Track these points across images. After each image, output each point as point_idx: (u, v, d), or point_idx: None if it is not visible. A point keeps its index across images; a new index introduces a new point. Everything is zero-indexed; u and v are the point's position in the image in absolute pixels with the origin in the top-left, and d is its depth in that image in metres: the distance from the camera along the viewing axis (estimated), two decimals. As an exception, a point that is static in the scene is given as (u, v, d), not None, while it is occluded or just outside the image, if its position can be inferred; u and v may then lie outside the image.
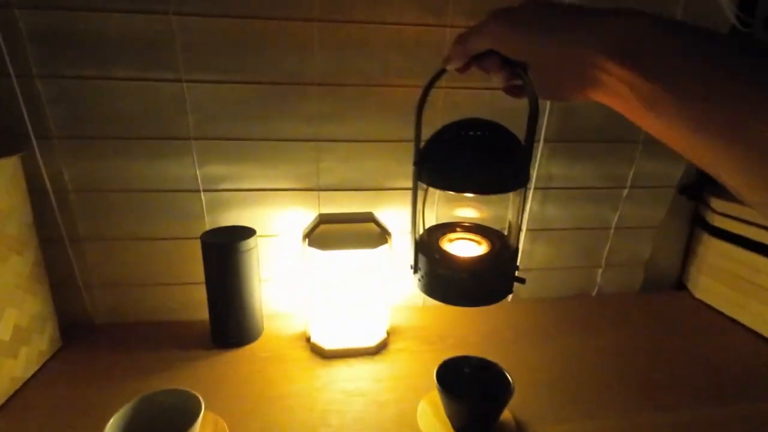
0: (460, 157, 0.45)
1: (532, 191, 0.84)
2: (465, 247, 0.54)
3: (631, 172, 0.86)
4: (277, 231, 0.80)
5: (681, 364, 0.73)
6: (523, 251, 0.89)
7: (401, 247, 0.84)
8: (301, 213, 0.80)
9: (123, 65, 0.66)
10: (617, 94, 0.28)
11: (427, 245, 0.56)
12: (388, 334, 0.79)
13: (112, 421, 0.49)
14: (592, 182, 0.85)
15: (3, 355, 0.61)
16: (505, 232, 0.55)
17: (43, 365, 0.70)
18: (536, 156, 0.81)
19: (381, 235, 0.74)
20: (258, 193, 0.77)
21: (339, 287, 0.74)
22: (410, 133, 0.74)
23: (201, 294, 0.77)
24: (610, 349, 0.77)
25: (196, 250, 0.72)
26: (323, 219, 0.73)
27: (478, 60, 0.38)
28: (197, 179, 0.75)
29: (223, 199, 0.77)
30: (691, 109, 0.24)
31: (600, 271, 0.94)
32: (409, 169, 0.78)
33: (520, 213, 0.52)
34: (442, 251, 0.53)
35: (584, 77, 0.30)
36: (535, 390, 0.66)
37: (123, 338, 0.77)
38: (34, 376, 0.67)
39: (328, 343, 0.74)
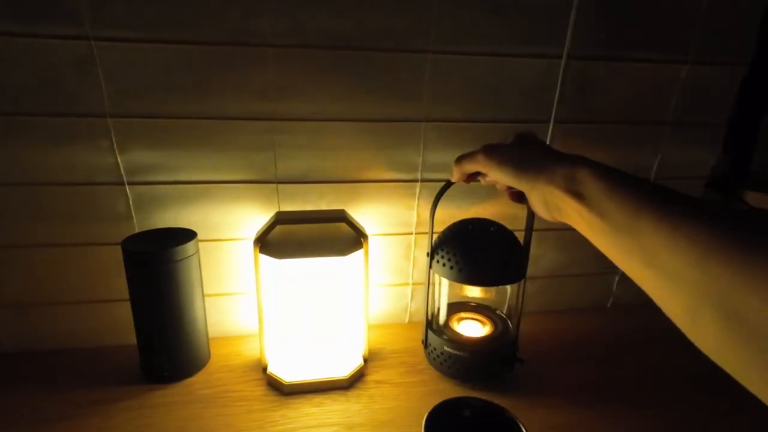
0: (470, 254, 0.55)
1: (539, 183, 0.69)
2: (471, 328, 0.65)
3: (657, 161, 0.72)
4: (225, 234, 0.64)
5: (721, 393, 0.59)
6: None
7: (380, 252, 0.69)
8: (257, 211, 0.64)
9: (14, 17, 0.50)
10: (575, 219, 0.34)
11: (438, 323, 0.65)
12: (365, 360, 0.63)
13: None
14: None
15: None
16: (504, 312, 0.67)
17: None
18: (546, 138, 0.67)
19: (354, 239, 0.58)
20: (200, 186, 0.61)
21: (302, 304, 0.59)
22: (392, 111, 0.61)
23: (129, 313, 0.60)
24: (628, 371, 0.63)
25: (121, 258, 0.56)
26: (281, 218, 0.58)
27: (475, 175, 0.47)
28: (119, 168, 0.58)
29: (156, 194, 0.61)
30: (618, 236, 0.30)
31: (616, 279, 0.80)
32: (389, 155, 0.63)
33: (519, 298, 0.61)
34: (451, 330, 0.63)
35: (550, 205, 0.36)
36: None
37: (29, 371, 0.60)
38: None
39: (288, 375, 0.58)
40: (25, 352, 0.64)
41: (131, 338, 0.62)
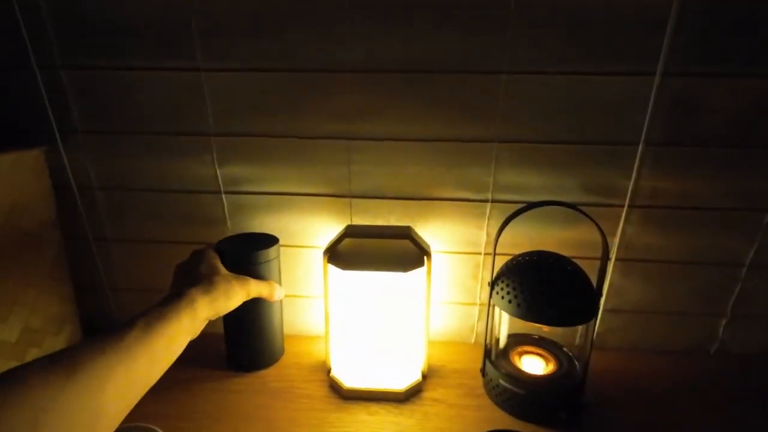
0: (533, 289, 0.53)
1: (626, 209, 0.63)
2: (532, 364, 0.62)
3: (777, 188, 0.61)
4: (303, 241, 0.70)
5: None
6: (611, 287, 0.68)
7: (446, 271, 0.69)
8: (332, 222, 0.69)
9: (141, 55, 0.61)
10: None
11: (497, 353, 0.64)
12: (424, 377, 0.64)
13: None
14: (716, 201, 0.62)
15: (7, 358, 0.58)
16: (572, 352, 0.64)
17: (57, 368, 0.66)
18: (634, 163, 0.61)
19: (417, 256, 0.60)
20: (284, 197, 0.68)
21: (365, 314, 0.61)
22: (463, 131, 0.61)
23: (217, 307, 0.69)
24: (731, 424, 0.54)
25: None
26: (350, 232, 0.61)
27: None
28: (218, 179, 0.67)
29: (246, 202, 0.69)
30: None
31: (724, 321, 0.69)
32: (459, 174, 0.63)
33: (588, 339, 0.58)
34: (510, 363, 0.61)
35: None
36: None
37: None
38: (43, 380, 0.64)
39: (348, 380, 0.61)
40: (141, 329, 0.76)
41: (220, 328, 0.71)
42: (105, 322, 0.76)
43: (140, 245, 0.72)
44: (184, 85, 0.62)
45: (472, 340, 0.74)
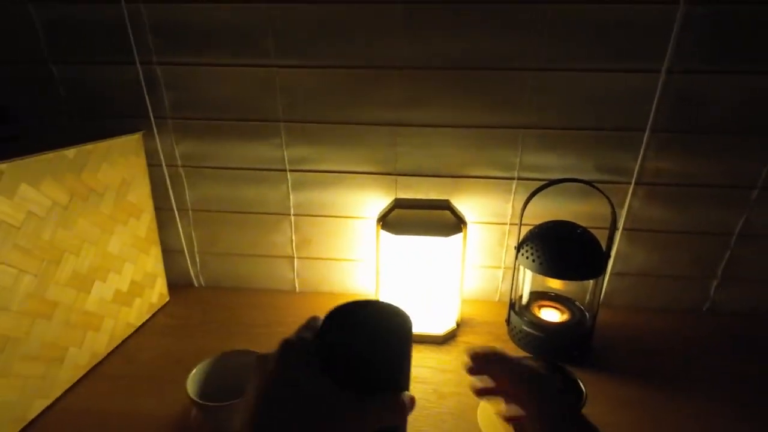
0: (552, 250, 0.65)
1: (632, 186, 0.74)
2: (549, 314, 0.74)
3: (766, 170, 0.71)
4: (353, 212, 0.82)
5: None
6: (618, 253, 0.80)
7: (477, 238, 0.81)
8: (379, 197, 0.80)
9: (224, 52, 0.72)
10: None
11: (520, 305, 0.76)
12: (458, 325, 0.77)
13: (194, 371, 0.55)
14: (711, 179, 0.73)
15: (120, 303, 0.72)
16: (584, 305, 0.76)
17: (152, 316, 0.80)
18: (641, 147, 0.71)
19: (456, 224, 0.71)
20: (338, 174, 0.80)
21: (411, 273, 0.74)
22: (495, 119, 0.72)
23: (284, 267, 0.83)
24: (715, 373, 0.66)
25: (281, 224, 0.78)
26: (398, 204, 0.73)
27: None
28: (284, 160, 0.79)
29: (306, 179, 0.81)
30: None
31: (714, 283, 0.81)
32: (489, 156, 0.75)
33: (598, 294, 0.70)
34: (531, 314, 0.73)
35: None
36: (617, 407, 0.60)
37: (218, 301, 0.86)
38: (144, 324, 0.78)
39: (396, 328, 0.74)
40: (213, 287, 0.90)
41: (284, 285, 0.84)
42: (184, 280, 0.90)
43: (215, 215, 0.85)
44: (259, 79, 0.73)
45: (496, 299, 0.86)
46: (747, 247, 0.77)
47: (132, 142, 0.73)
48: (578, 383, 0.54)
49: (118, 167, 0.70)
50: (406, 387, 0.37)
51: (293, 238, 0.85)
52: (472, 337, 0.75)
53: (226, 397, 0.51)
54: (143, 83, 0.75)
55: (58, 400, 0.60)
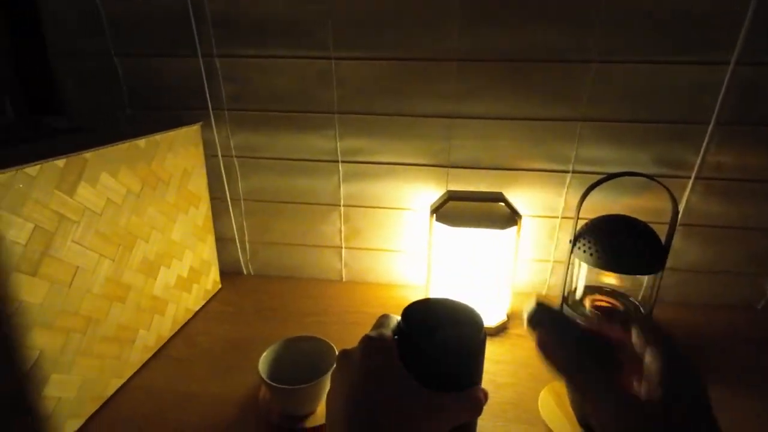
0: (610, 244, 0.63)
1: (692, 181, 0.73)
2: (603, 309, 0.73)
3: (836, 165, 0.69)
4: (403, 204, 0.83)
5: None
6: (672, 248, 0.78)
7: (527, 231, 0.81)
8: (429, 189, 0.81)
9: (282, 44, 0.74)
10: None
11: (574, 299, 0.75)
12: (508, 317, 0.77)
13: (264, 354, 0.56)
14: (773, 174, 0.71)
15: (181, 289, 0.75)
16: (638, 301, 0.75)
17: (207, 302, 0.83)
18: (703, 141, 0.70)
19: (510, 217, 0.72)
20: (389, 166, 0.80)
21: (462, 265, 0.74)
22: (551, 112, 0.71)
23: (332, 257, 0.84)
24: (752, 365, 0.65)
25: (330, 215, 0.80)
26: (452, 196, 0.74)
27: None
28: (336, 151, 0.80)
29: (358, 170, 0.82)
30: None
31: (772, 280, 0.79)
32: (544, 149, 0.75)
33: (654, 289, 0.69)
34: (583, 308, 0.72)
35: None
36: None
37: (267, 289, 0.88)
38: (200, 309, 0.81)
39: (446, 318, 0.75)
40: (263, 276, 0.93)
41: (331, 275, 0.86)
42: (234, 268, 0.93)
43: (266, 205, 0.87)
44: (316, 71, 0.75)
45: (545, 292, 0.86)
46: (809, 244, 0.75)
47: (192, 132, 0.75)
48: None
49: (181, 157, 0.72)
50: (479, 382, 0.39)
51: (342, 228, 0.87)
52: (523, 330, 0.75)
53: (293, 381, 0.52)
54: (203, 75, 0.77)
55: (130, 379, 0.63)
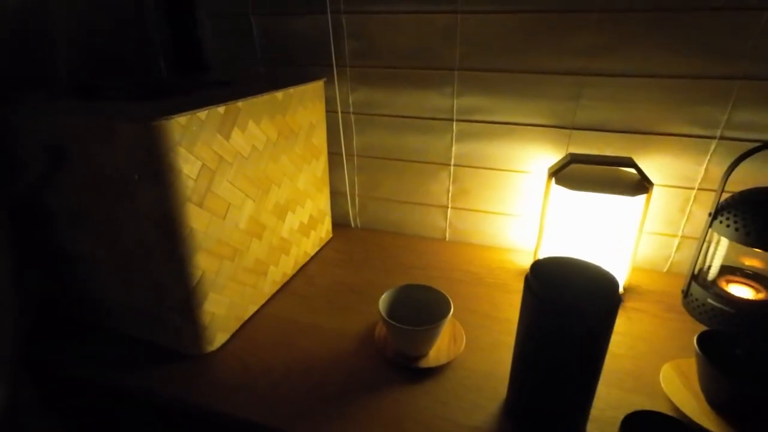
0: (763, 220, 0.57)
1: None
2: (741, 291, 0.67)
3: None
4: (517, 166, 0.81)
5: None
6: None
7: (655, 202, 0.75)
8: (547, 151, 0.78)
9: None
10: None
11: (705, 278, 0.69)
12: (625, 290, 0.73)
13: (383, 296, 0.61)
14: None
15: (301, 234, 0.82)
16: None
17: (321, 248, 0.90)
18: None
19: (640, 184, 0.67)
20: (507, 126, 0.78)
21: (578, 232, 0.71)
22: (703, 69, 0.64)
23: (437, 216, 0.86)
24: None
25: (439, 174, 0.81)
26: (575, 158, 0.70)
27: None
28: (452, 109, 0.80)
29: (472, 130, 0.81)
30: None
31: None
32: (688, 111, 0.67)
33: None
34: (718, 287, 0.67)
35: None
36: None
37: (374, 241, 0.93)
38: (315, 254, 0.88)
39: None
40: (370, 229, 0.98)
41: (435, 233, 0.88)
42: (343, 220, 0.99)
43: (378, 161, 0.90)
44: (441, 26, 0.74)
45: (665, 269, 0.80)
46: None
47: (317, 88, 0.79)
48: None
49: (308, 111, 0.77)
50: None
51: (450, 188, 0.87)
52: (640, 304, 0.71)
53: (408, 324, 0.56)
54: (330, 32, 0.80)
55: (262, 307, 0.71)
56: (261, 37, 0.85)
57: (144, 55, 0.88)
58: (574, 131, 0.75)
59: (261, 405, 0.54)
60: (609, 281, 0.44)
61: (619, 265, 0.72)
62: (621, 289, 0.73)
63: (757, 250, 0.60)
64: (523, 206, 0.84)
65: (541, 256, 0.76)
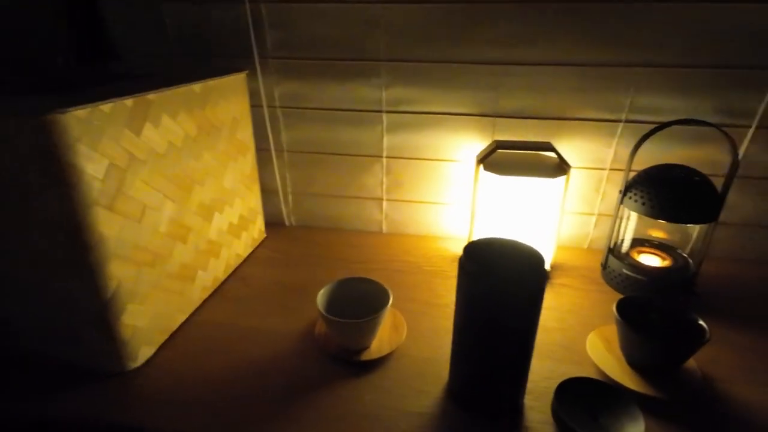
0: (664, 194, 0.63)
1: (752, 130, 0.70)
2: (650, 260, 0.74)
3: None
4: (446, 155, 0.83)
5: None
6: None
7: (574, 184, 0.80)
8: (474, 139, 0.80)
9: (329, -12, 0.72)
10: None
11: (620, 251, 0.76)
12: (552, 268, 0.78)
13: (321, 291, 0.59)
14: None
15: (232, 235, 0.77)
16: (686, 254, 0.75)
17: (254, 249, 0.86)
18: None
19: (559, 166, 0.71)
20: (435, 116, 0.80)
21: (506, 216, 0.74)
22: (607, 56, 0.69)
23: (373, 208, 0.85)
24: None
25: (372, 167, 0.80)
26: (500, 144, 0.73)
27: None
28: (381, 100, 0.80)
29: (402, 120, 0.81)
30: None
31: (828, 236, 0.77)
32: (597, 97, 0.72)
33: (706, 240, 0.68)
34: (631, 258, 0.73)
35: None
36: (728, 349, 0.60)
37: (310, 238, 0.90)
38: (249, 255, 0.84)
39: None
40: (305, 226, 0.95)
41: (371, 226, 0.87)
42: (276, 219, 0.95)
43: (309, 156, 0.88)
44: (365, 16, 0.73)
45: (586, 246, 0.86)
46: None
47: (240, 81, 0.75)
48: (699, 322, 0.54)
49: (231, 105, 0.73)
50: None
51: (384, 180, 0.87)
52: (566, 280, 0.76)
53: (347, 318, 0.55)
54: (249, 22, 0.76)
55: (193, 314, 0.67)
56: (175, 26, 0.79)
57: (49, 48, 0.79)
58: (498, 119, 0.78)
59: (199, 416, 0.50)
60: (536, 258, 0.45)
61: (546, 244, 0.77)
62: (548, 267, 0.77)
63: (661, 221, 0.66)
64: (456, 194, 0.86)
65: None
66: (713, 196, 0.64)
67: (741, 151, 0.72)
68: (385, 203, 0.90)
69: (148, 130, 0.55)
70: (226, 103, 0.70)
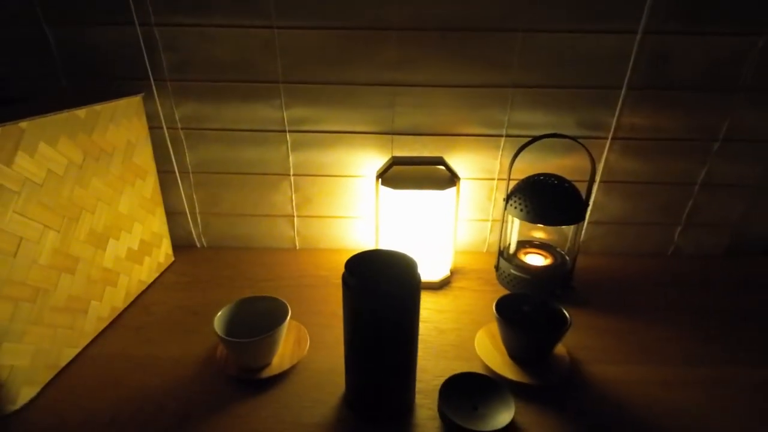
0: (538, 200, 0.71)
1: (609, 141, 0.81)
2: (535, 259, 0.82)
3: (726, 124, 0.79)
4: (351, 171, 0.86)
5: (756, 325, 0.70)
6: (595, 203, 0.87)
7: (468, 193, 0.87)
8: (376, 155, 0.85)
9: (222, 13, 0.73)
10: None
11: (509, 252, 0.83)
12: (452, 273, 0.84)
13: (219, 313, 0.59)
14: (678, 133, 0.80)
15: (132, 261, 0.75)
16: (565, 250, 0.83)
17: (161, 274, 0.84)
18: (618, 104, 0.78)
19: (450, 179, 0.77)
20: (336, 135, 0.83)
21: (408, 226, 0.79)
22: (485, 79, 0.76)
23: (284, 225, 0.87)
24: (679, 306, 0.76)
25: (281, 184, 0.81)
26: (396, 161, 0.78)
27: None
28: (284, 121, 0.82)
29: (305, 139, 0.84)
30: None
31: (678, 229, 0.90)
32: (480, 115, 0.80)
33: (577, 239, 0.78)
34: (518, 259, 0.81)
35: None
36: (594, 334, 0.68)
37: (221, 259, 0.90)
38: (154, 281, 0.82)
39: (395, 276, 0.80)
40: (215, 247, 0.94)
41: (284, 243, 0.89)
42: (186, 241, 0.93)
43: (216, 176, 0.87)
44: (259, 40, 0.75)
45: (484, 249, 0.94)
46: (707, 196, 0.85)
47: (134, 104, 0.74)
48: (563, 312, 0.61)
49: (123, 129, 0.71)
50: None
51: (293, 197, 0.89)
52: (464, 283, 0.82)
53: (248, 336, 0.56)
54: (142, 45, 0.75)
55: (85, 348, 0.64)
56: (59, 48, 0.76)
57: None
58: (395, 136, 0.83)
59: (80, 456, 0.48)
60: (409, 265, 0.50)
61: (446, 251, 0.82)
62: (448, 272, 0.83)
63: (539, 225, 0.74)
64: (362, 208, 0.90)
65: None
66: (579, 200, 0.73)
67: (602, 159, 0.83)
68: (296, 220, 0.91)
69: (22, 159, 0.52)
70: (116, 127, 0.69)
